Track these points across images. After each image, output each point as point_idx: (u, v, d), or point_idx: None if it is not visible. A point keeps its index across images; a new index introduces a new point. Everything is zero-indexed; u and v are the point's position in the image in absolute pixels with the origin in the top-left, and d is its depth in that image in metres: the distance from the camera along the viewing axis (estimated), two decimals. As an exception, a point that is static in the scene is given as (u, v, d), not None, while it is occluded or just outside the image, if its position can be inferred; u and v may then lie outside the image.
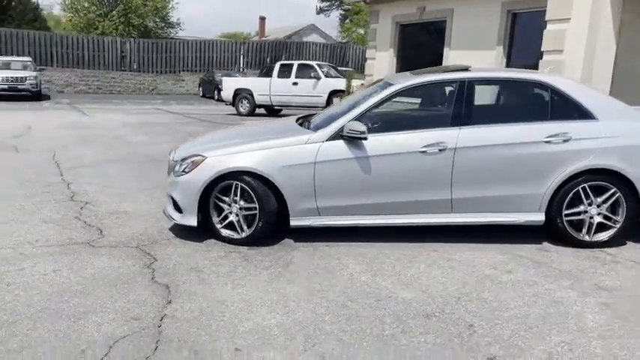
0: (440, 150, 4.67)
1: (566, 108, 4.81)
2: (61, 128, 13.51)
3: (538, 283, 4.13)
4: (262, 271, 4.32)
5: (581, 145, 4.65)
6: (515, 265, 4.47)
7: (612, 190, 4.70)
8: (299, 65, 17.69)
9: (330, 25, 43.36)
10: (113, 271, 4.25)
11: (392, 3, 13.45)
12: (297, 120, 5.49)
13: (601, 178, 4.69)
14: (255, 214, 4.77)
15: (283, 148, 4.81)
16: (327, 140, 4.76)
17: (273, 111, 18.21)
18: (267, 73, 18.28)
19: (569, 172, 4.65)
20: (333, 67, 19.24)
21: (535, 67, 8.38)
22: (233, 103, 18.09)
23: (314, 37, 38.27)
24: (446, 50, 12.28)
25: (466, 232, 5.08)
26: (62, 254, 4.58)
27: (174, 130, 13.63)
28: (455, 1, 11.72)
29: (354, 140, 4.70)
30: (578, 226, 4.82)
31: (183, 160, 4.93)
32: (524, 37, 10.73)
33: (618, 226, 4.78)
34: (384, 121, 5.01)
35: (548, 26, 8.16)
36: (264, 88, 17.46)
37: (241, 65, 29.27)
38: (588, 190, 4.71)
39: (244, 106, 17.81)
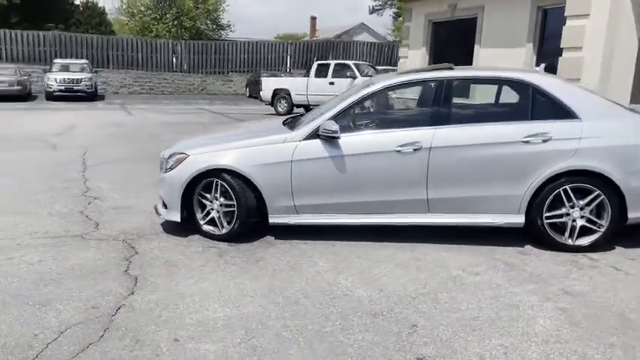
0: (415, 150, 4.64)
1: (548, 107, 4.68)
2: (102, 127, 14.17)
3: (501, 286, 4.05)
4: (231, 266, 4.44)
5: (562, 145, 4.51)
6: (485, 267, 4.40)
7: (596, 193, 4.54)
8: (336, 65, 17.78)
9: (382, 24, 43.10)
10: (93, 262, 4.48)
11: (424, 1, 13.30)
12: (285, 120, 5.57)
13: (583, 180, 4.53)
14: (234, 210, 4.89)
15: (262, 147, 4.91)
16: (303, 139, 4.83)
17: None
18: (308, 73, 18.47)
19: (549, 173, 4.52)
20: (371, 66, 19.20)
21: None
22: (272, 103, 18.38)
23: (364, 37, 38.21)
24: (476, 48, 12.06)
25: (450, 234, 5.02)
26: (53, 246, 4.86)
27: (208, 129, 13.97)
28: (486, -2, 11.49)
29: (329, 139, 4.74)
30: (561, 229, 4.67)
31: (170, 157, 5.12)
32: (554, 33, 10.35)
33: (603, 230, 4.60)
34: (361, 121, 5.04)
35: (568, 22, 7.90)
36: (302, 88, 17.66)
37: (288, 65, 29.62)
38: (570, 192, 4.56)
39: (282, 106, 18.08)
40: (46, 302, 3.74)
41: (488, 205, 4.68)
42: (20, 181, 7.38)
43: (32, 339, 3.25)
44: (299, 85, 17.76)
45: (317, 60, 28.11)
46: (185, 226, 5.18)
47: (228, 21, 35.22)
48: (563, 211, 4.62)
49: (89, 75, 23.35)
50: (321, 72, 17.67)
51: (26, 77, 23.91)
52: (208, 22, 32.83)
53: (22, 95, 22.42)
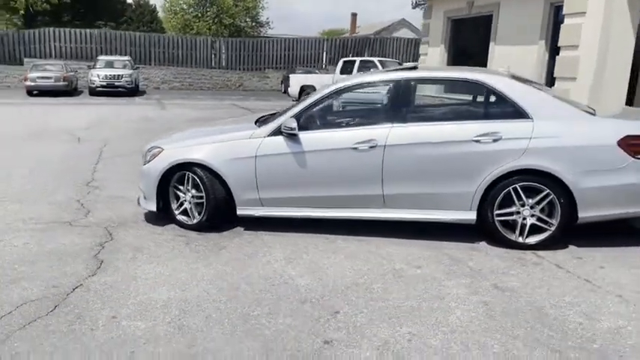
0: (370, 147, 4.83)
1: (500, 107, 4.77)
2: (132, 121, 14.82)
3: (437, 279, 4.20)
4: (193, 253, 4.76)
5: (512, 144, 4.60)
6: (430, 261, 4.55)
7: (545, 192, 4.61)
8: (361, 62, 17.93)
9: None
10: (70, 247, 4.88)
11: (444, -2, 13.31)
12: (258, 118, 5.81)
13: (533, 179, 4.61)
14: (204, 202, 5.21)
15: (230, 142, 5.21)
16: (268, 136, 5.09)
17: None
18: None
19: (499, 171, 4.62)
20: (398, 63, 19.20)
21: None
22: (299, 99, 18.69)
23: (404, 32, 37.98)
24: (491, 45, 12.00)
25: (411, 229, 5.15)
26: (42, 231, 5.30)
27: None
28: (501, -5, 11.42)
29: (290, 136, 4.99)
30: (512, 226, 4.77)
31: (148, 151, 5.49)
32: (567, 31, 10.23)
33: (553, 229, 4.67)
34: (322, 119, 5.25)
35: (566, 20, 7.83)
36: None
37: (324, 62, 29.88)
38: (520, 190, 4.65)
39: (309, 102, 18.34)
40: (16, 280, 4.14)
41: (441, 201, 4.82)
42: (34, 171, 7.94)
43: (-11, 312, 3.64)
44: (325, 82, 17.97)
45: (353, 56, 28.29)
46: (165, 216, 5.53)
47: (267, 18, 35.85)
48: (514, 209, 4.71)
49: (130, 71, 24.27)
50: (347, 69, 17.86)
51: (72, 73, 25.11)
52: (247, 19, 33.45)
53: (68, 90, 23.57)
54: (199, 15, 31.63)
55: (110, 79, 23.63)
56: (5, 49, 27.56)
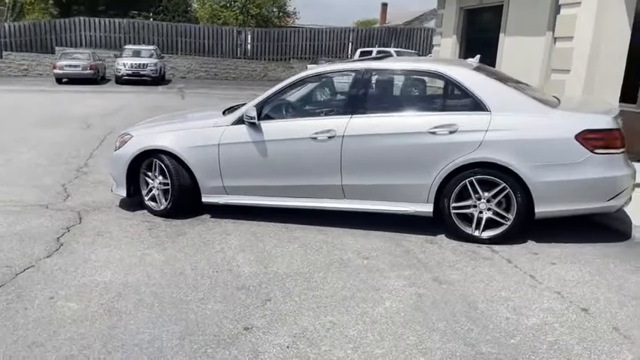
0: (329, 137, 4.82)
1: (459, 99, 4.70)
2: (147, 110, 15.04)
3: (381, 270, 4.19)
4: (151, 239, 4.86)
5: (468, 137, 4.52)
6: (382, 252, 4.53)
7: (501, 186, 4.53)
8: (378, 52, 17.76)
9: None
10: (38, 228, 5.04)
11: (457, -13, 13.06)
12: (227, 109, 5.81)
13: (489, 172, 4.53)
14: (170, 189, 5.30)
15: (195, 130, 5.29)
16: (231, 124, 5.14)
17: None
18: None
19: (455, 164, 4.56)
20: (416, 54, 18.97)
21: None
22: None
23: (434, 23, 37.36)
24: (501, 36, 11.72)
25: (378, 220, 5.11)
26: (17, 213, 5.48)
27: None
28: (512, -16, 11.13)
29: (252, 125, 5.02)
30: (470, 220, 4.70)
31: (120, 137, 5.61)
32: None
33: (509, 223, 4.59)
34: (286, 108, 5.26)
35: (562, 10, 7.61)
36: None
37: (349, 52, 29.70)
38: (476, 184, 4.58)
39: (325, 92, 18.32)
40: (-25, 259, 4.31)
41: (399, 193, 4.79)
42: (33, 156, 8.19)
43: (-61, 287, 3.81)
44: (340, 73, 17.90)
45: (378, 47, 28.09)
46: (138, 202, 5.65)
47: (294, 8, 35.79)
48: (470, 202, 4.64)
49: (155, 60, 24.66)
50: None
51: (100, 62, 25.69)
52: (275, 9, 33.52)
53: (95, 78, 24.13)
54: (227, 5, 31.83)
55: (135, 67, 24.06)
56: (38, 37, 28.34)
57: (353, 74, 4.99)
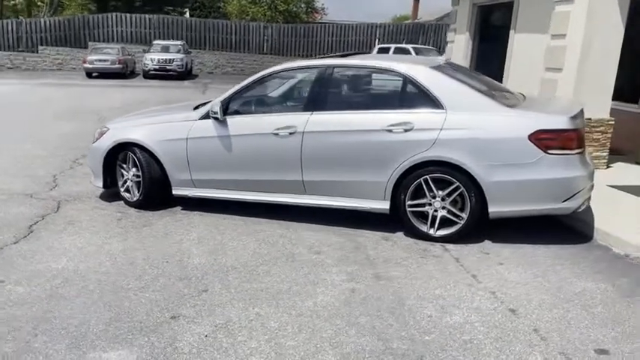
0: (290, 133, 4.89)
1: (416, 97, 4.69)
2: (163, 103, 15.35)
3: (326, 265, 4.24)
4: (117, 229, 5.02)
5: (423, 135, 4.52)
6: (334, 248, 4.58)
7: (455, 185, 4.51)
8: (396, 49, 17.67)
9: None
10: (14, 216, 5.27)
11: (471, -17, 12.88)
12: (200, 104, 5.89)
13: (442, 171, 4.52)
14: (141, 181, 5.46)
15: (166, 124, 5.43)
16: (199, 119, 5.26)
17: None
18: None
19: (410, 162, 4.56)
20: (436, 50, 18.77)
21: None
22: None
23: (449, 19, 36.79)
24: (511, 34, 11.52)
25: (345, 216, 5.14)
26: (1, 201, 5.74)
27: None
28: (523, -21, 10.92)
29: (217, 120, 5.13)
30: (425, 218, 4.71)
31: (99, 130, 5.80)
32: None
33: (462, 222, 4.57)
34: (250, 104, 5.34)
35: (556, 7, 7.46)
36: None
37: (376, 48, 29.54)
38: (430, 182, 4.58)
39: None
40: (-54, 243, 4.55)
41: (357, 189, 4.82)
42: (36, 147, 8.50)
43: None
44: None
45: (405, 43, 27.89)
46: (117, 193, 5.84)
47: (322, 4, 35.78)
48: (425, 200, 4.64)
49: (181, 56, 25.09)
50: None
51: (130, 57, 26.32)
52: (302, 5, 33.60)
53: (124, 73, 24.74)
54: (256, 1, 32.10)
55: (162, 62, 24.53)
56: (72, 33, 29.19)
57: (316, 71, 5.04)
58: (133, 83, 22.63)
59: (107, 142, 5.55)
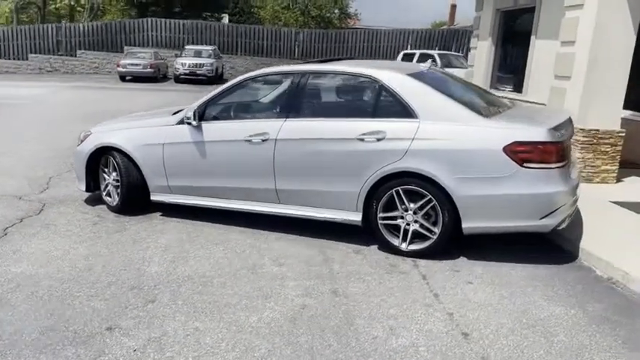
0: (263, 140, 4.76)
1: (390, 105, 4.48)
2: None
3: (285, 277, 4.08)
4: (89, 234, 4.98)
5: (395, 145, 4.32)
6: (300, 260, 4.41)
7: (427, 197, 4.29)
8: (421, 55, 17.36)
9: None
10: (-5, 218, 5.31)
11: (494, -12, 12.52)
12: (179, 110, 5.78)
13: (414, 183, 4.30)
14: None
15: (144, 129, 5.38)
16: (176, 124, 5.18)
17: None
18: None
19: (382, 172, 4.36)
20: (462, 57, 18.35)
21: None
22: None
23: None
24: (532, 39, 11.13)
25: (322, 227, 4.94)
26: (-12, 202, 5.80)
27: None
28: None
29: (194, 126, 5.05)
30: (399, 231, 4.49)
31: (83, 134, 5.81)
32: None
33: (435, 237, 4.34)
34: (227, 110, 5.23)
35: (566, 13, 7.11)
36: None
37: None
38: (402, 194, 4.37)
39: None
40: None
41: (329, 199, 4.65)
42: (43, 149, 8.63)
43: None
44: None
45: (438, 49, 27.47)
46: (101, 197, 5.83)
47: (356, 9, 35.63)
48: (397, 213, 4.43)
49: (211, 60, 25.35)
50: (406, 61, 17.37)
51: (162, 61, 26.79)
52: (335, 10, 33.53)
53: (155, 77, 25.19)
54: (288, 6, 32.22)
55: (192, 67, 24.84)
56: (109, 37, 29.90)
57: (291, 77, 4.89)
58: (163, 87, 22.99)
59: (89, 145, 5.53)
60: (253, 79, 5.07)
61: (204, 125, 5.02)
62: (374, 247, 4.68)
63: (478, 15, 13.71)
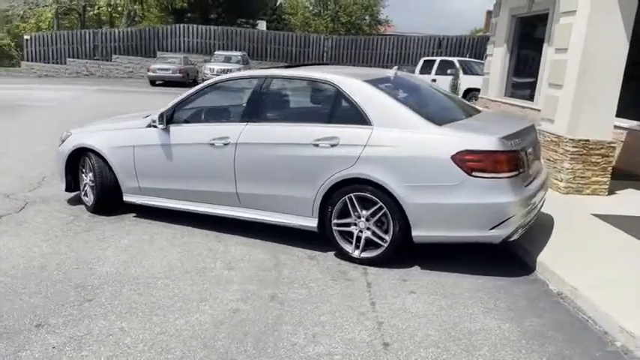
0: (224, 144, 4.79)
1: (345, 111, 4.44)
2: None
3: (230, 281, 4.07)
4: (59, 232, 5.09)
5: (348, 151, 4.27)
6: (251, 264, 4.40)
7: (378, 205, 4.23)
8: (441, 61, 17.15)
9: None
10: (-24, 215, 5.49)
11: (510, -7, 12.30)
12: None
13: (366, 190, 4.24)
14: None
15: (118, 131, 5.48)
16: (146, 127, 5.27)
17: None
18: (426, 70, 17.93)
19: (335, 178, 4.32)
20: (482, 64, 17.98)
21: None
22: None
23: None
24: (545, 47, 10.90)
25: (290, 232, 4.89)
26: (-25, 200, 6.01)
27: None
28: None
29: (162, 129, 5.12)
30: (353, 238, 4.44)
31: (65, 134, 5.96)
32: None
33: (386, 245, 4.27)
34: (194, 113, 5.28)
35: (561, 20, 6.91)
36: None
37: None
38: (355, 201, 4.32)
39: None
40: None
41: (287, 204, 4.63)
42: (48, 148, 8.85)
43: None
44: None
45: (469, 55, 27.11)
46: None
47: (387, 16, 35.53)
48: (351, 220, 4.38)
49: (238, 66, 25.67)
50: (427, 68, 17.22)
51: (192, 66, 27.34)
52: (366, 17, 33.49)
53: (184, 81, 25.69)
54: (319, 13, 32.38)
55: (219, 72, 25.15)
56: (142, 43, 30.67)
57: (255, 81, 4.91)
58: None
59: (68, 146, 5.67)
60: (221, 82, 5.12)
61: (172, 128, 5.09)
62: (331, 254, 4.64)
63: (495, 21, 13.48)
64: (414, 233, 4.14)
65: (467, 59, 19.07)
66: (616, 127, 6.90)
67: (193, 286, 3.99)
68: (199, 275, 4.19)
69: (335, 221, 4.43)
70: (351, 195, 4.31)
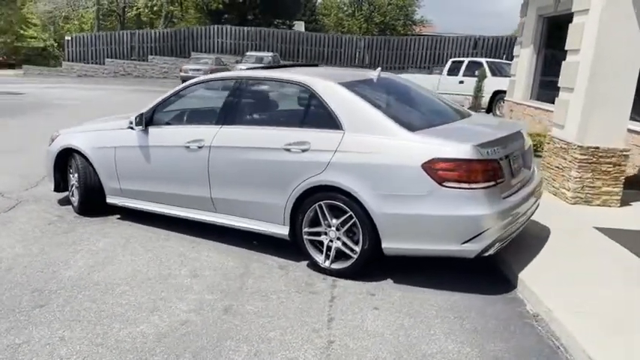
0: (199, 147, 4.66)
1: (318, 114, 4.22)
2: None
3: (188, 290, 3.92)
4: (39, 232, 5.05)
5: (318, 157, 4.06)
6: (216, 272, 4.25)
7: (348, 214, 4.01)
8: (469, 62, 16.67)
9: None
10: (-36, 213, 5.53)
11: (538, -7, 11.82)
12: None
13: (336, 197, 4.02)
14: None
15: (101, 132, 5.42)
16: (126, 128, 5.19)
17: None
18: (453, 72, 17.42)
19: (305, 185, 4.12)
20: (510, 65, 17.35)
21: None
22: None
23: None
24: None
25: (264, 236, 4.76)
26: (-30, 198, 6.07)
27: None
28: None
29: (141, 130, 5.03)
30: (323, 247, 4.23)
31: (54, 135, 5.95)
32: None
33: (356, 256, 4.04)
34: (174, 115, 5.17)
35: (574, 19, 6.51)
36: (431, 86, 16.93)
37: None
38: (325, 209, 4.11)
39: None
40: None
41: (260, 210, 4.46)
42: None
43: None
44: (428, 84, 17.06)
45: (505, 57, 26.35)
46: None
47: (422, 16, 34.92)
48: (321, 229, 4.17)
49: (269, 66, 25.72)
50: (454, 69, 16.76)
51: (223, 66, 27.51)
52: (401, 17, 33.01)
53: (216, 82, 25.83)
54: (352, 13, 32.12)
55: (250, 73, 25.25)
56: (177, 43, 31.12)
57: (232, 83, 4.76)
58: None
59: (56, 146, 5.65)
60: (200, 84, 5.00)
61: (151, 130, 4.99)
62: (303, 264, 4.44)
63: (522, 21, 12.98)
64: (383, 245, 3.90)
65: (497, 60, 18.48)
66: (631, 131, 6.45)
67: (151, 294, 3.85)
68: (160, 283, 4.06)
69: (306, 229, 4.23)
70: (322, 203, 4.10)
